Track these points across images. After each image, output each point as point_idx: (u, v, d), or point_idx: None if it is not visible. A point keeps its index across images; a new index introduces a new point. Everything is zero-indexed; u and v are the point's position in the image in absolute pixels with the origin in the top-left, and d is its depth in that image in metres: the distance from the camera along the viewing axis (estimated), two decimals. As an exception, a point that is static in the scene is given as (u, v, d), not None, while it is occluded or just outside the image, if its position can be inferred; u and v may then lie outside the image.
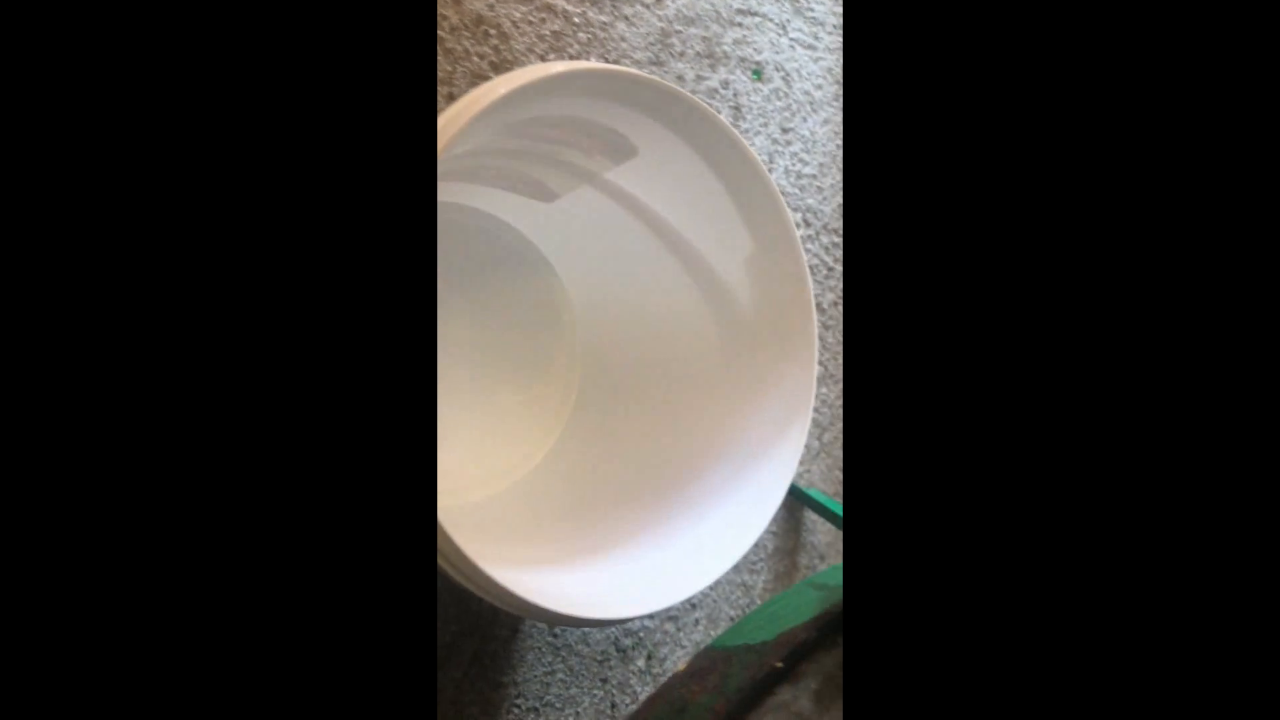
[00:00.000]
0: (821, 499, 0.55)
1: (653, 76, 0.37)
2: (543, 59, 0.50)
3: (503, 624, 0.46)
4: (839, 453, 0.63)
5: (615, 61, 0.52)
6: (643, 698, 0.51)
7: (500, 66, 0.48)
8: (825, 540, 0.61)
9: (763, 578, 0.58)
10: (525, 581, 0.29)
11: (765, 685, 0.21)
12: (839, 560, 0.62)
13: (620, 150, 0.42)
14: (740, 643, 0.23)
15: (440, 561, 0.29)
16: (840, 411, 0.63)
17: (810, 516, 0.60)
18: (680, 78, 0.54)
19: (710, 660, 0.22)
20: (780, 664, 0.21)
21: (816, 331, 0.44)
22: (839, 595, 0.25)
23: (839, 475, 0.63)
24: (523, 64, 0.49)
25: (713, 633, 0.55)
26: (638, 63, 0.53)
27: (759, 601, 0.58)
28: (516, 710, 0.47)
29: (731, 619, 0.58)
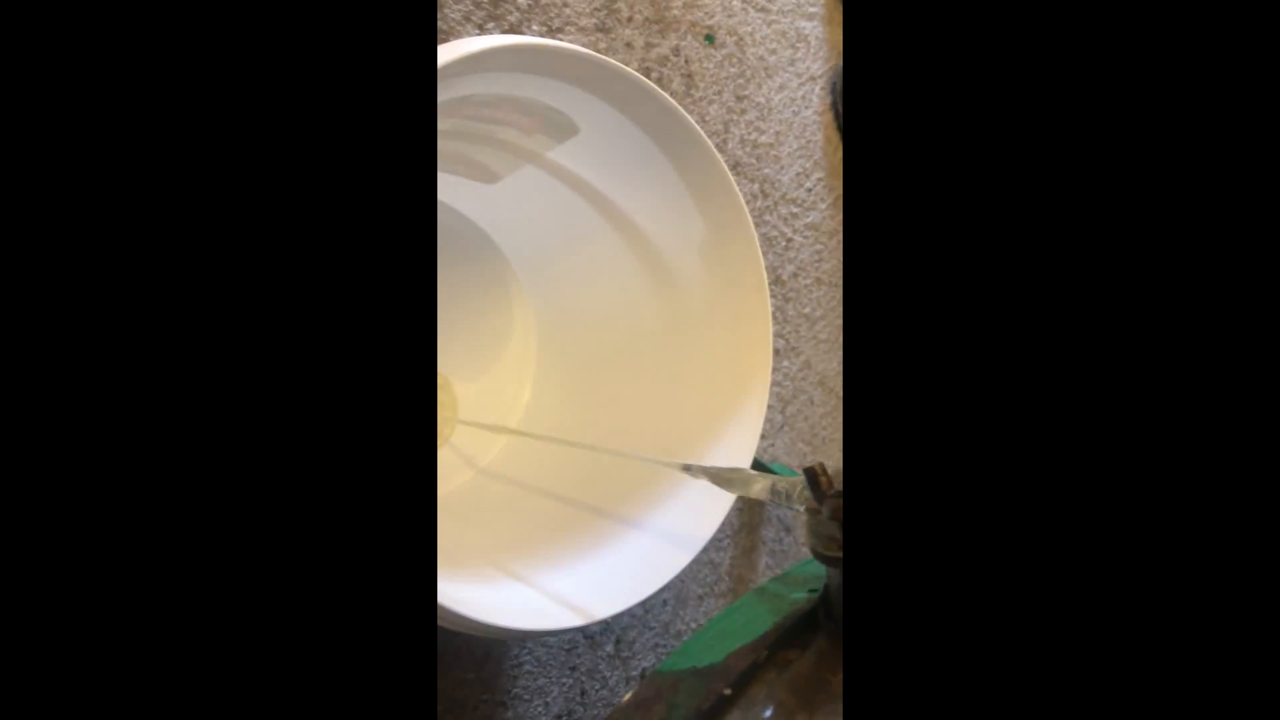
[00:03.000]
0: (786, 473, 0.55)
1: (589, 52, 0.35)
2: (481, 29, 0.47)
3: (464, 621, 0.45)
4: (802, 425, 0.63)
5: (559, 29, 0.49)
6: (612, 682, 0.51)
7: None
8: (790, 513, 0.61)
9: (729, 554, 0.58)
10: (482, 600, 0.27)
11: (713, 715, 0.20)
12: (802, 532, 0.63)
13: (560, 128, 0.40)
14: (688, 666, 0.22)
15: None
16: (802, 385, 0.62)
17: (775, 491, 0.60)
18: (629, 45, 0.52)
19: (656, 689, 0.21)
20: (729, 690, 0.21)
21: (770, 311, 0.43)
22: (791, 605, 0.24)
23: (802, 448, 0.63)
24: (459, 35, 0.46)
25: (681, 613, 0.55)
26: (583, 29, 0.50)
27: (726, 579, 0.58)
28: (484, 705, 0.46)
29: (699, 597, 0.57)
